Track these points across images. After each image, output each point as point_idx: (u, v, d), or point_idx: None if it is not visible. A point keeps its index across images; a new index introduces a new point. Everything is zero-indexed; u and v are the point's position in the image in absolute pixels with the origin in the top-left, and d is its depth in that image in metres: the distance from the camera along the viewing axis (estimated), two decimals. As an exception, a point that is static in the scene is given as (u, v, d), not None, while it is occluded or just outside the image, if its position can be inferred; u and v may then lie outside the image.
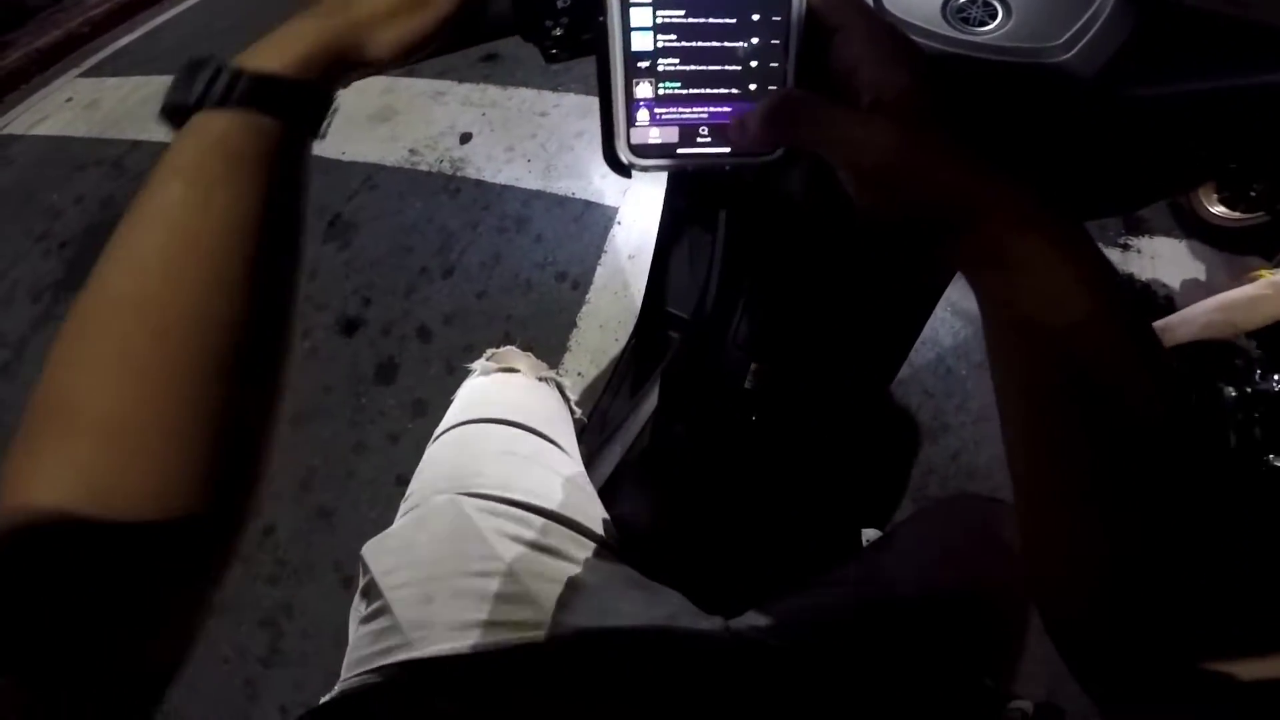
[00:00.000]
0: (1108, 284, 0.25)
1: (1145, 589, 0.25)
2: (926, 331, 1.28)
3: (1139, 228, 1.42)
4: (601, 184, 1.52)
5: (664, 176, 0.75)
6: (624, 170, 0.30)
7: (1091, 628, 0.26)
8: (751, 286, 0.72)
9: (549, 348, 1.33)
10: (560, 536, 0.54)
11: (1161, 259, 1.37)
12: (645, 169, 0.30)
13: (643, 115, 0.29)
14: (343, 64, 0.29)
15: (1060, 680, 0.29)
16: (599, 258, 1.42)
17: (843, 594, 0.54)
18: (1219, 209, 1.31)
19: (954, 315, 1.37)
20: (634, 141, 0.29)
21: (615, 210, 1.48)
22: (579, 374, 1.29)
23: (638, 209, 1.47)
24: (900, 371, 1.08)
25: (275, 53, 0.28)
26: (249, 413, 0.27)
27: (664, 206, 0.85)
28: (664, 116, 0.29)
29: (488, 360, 0.74)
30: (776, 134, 0.28)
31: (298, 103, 0.28)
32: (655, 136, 0.29)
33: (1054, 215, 0.26)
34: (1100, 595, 0.26)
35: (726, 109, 0.29)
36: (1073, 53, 0.35)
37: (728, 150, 0.30)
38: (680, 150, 0.30)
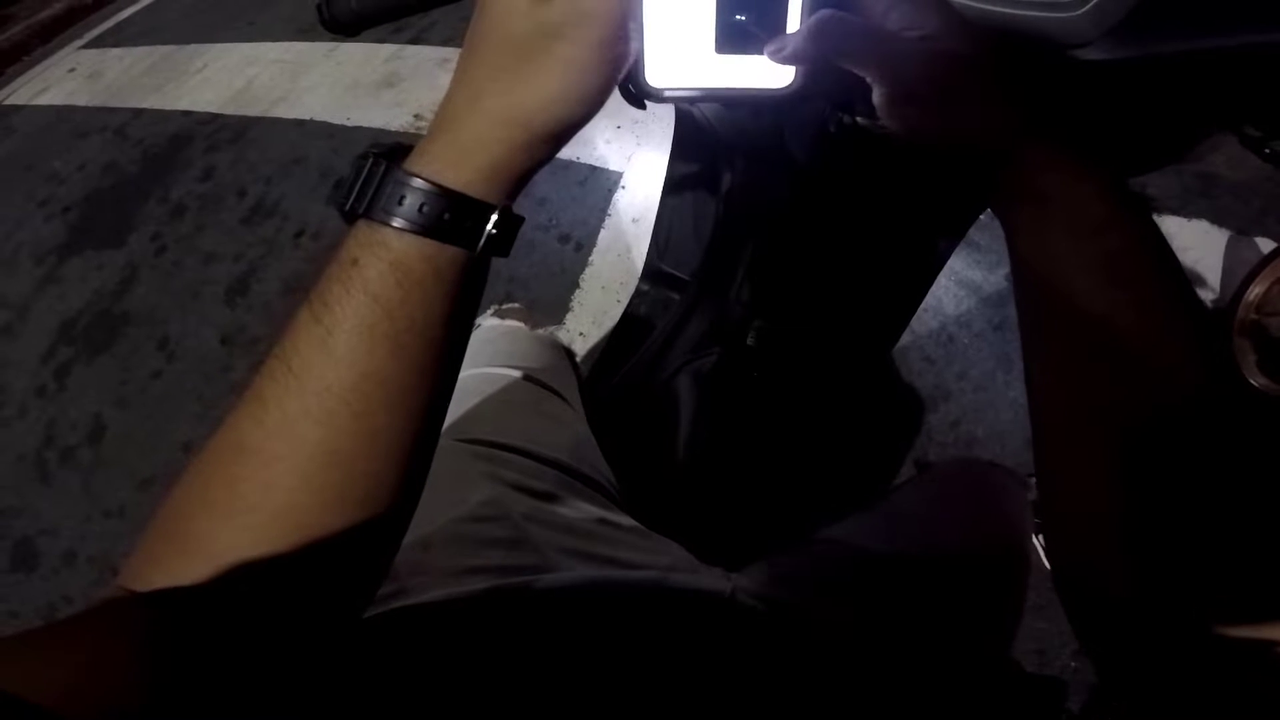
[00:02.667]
0: (1138, 221, 0.25)
1: (1161, 544, 0.23)
2: (929, 299, 1.27)
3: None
4: (606, 150, 1.51)
5: (669, 138, 0.75)
6: (638, 101, 0.30)
7: (1103, 583, 0.25)
8: (757, 244, 0.72)
9: (551, 308, 1.32)
10: (559, 483, 0.53)
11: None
12: (661, 100, 0.29)
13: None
14: (536, 157, 0.26)
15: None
16: (603, 221, 1.42)
17: (844, 553, 0.54)
18: (1261, 380, 1.22)
19: (957, 284, 1.37)
20: (650, 70, 0.29)
21: (619, 175, 1.47)
22: (580, 334, 1.29)
23: (642, 174, 1.47)
24: (902, 338, 1.08)
25: (451, 157, 0.25)
26: (417, 477, 0.29)
27: (668, 169, 0.85)
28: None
29: (492, 315, 0.74)
30: (819, 49, 0.27)
31: (489, 227, 0.26)
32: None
33: (1086, 153, 0.26)
34: (1114, 549, 0.24)
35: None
36: (1086, 8, 0.34)
37: (745, 84, 0.29)
38: (695, 80, 0.29)
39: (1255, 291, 1.00)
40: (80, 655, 0.21)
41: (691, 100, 0.39)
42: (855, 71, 0.27)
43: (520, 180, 0.27)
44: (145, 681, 0.21)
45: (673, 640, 0.36)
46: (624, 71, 0.26)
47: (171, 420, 1.41)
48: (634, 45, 0.26)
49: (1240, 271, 1.09)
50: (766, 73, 0.29)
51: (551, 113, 0.25)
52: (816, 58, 0.27)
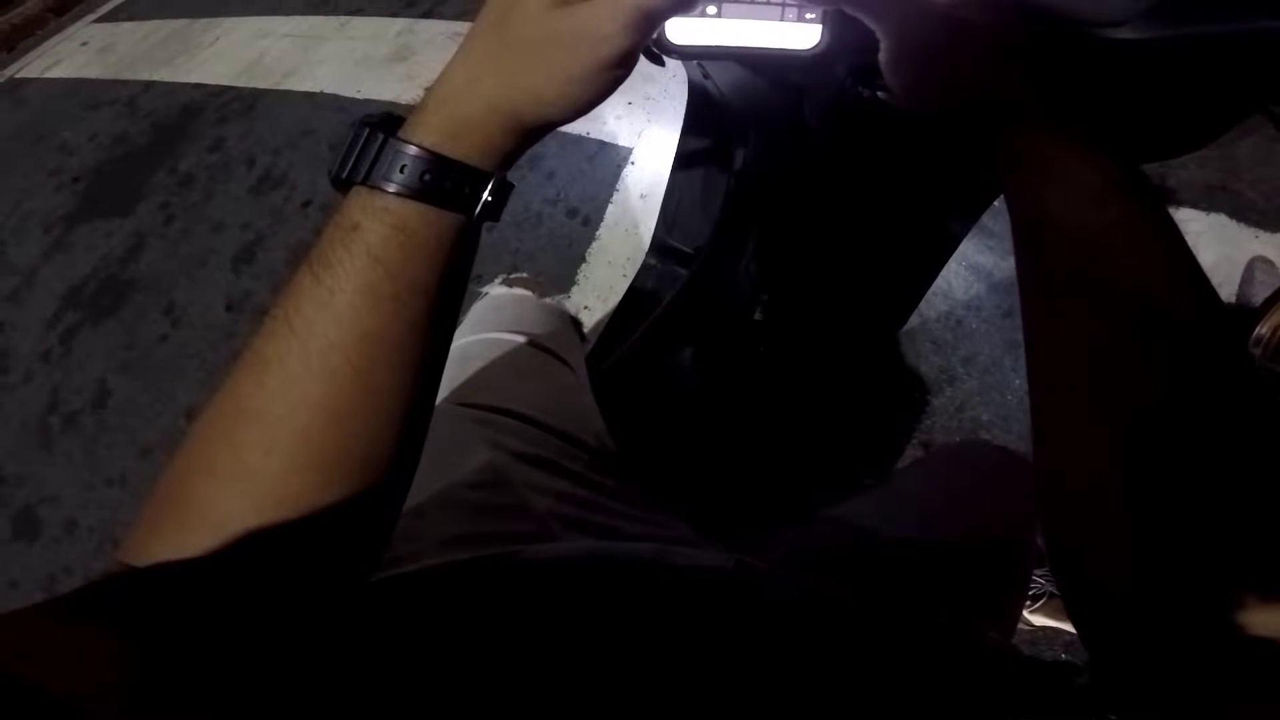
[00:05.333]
0: (1139, 192, 0.25)
1: (1169, 533, 0.22)
2: (939, 283, 1.26)
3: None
4: (616, 125, 1.51)
5: (680, 116, 0.74)
6: (657, 59, 0.30)
7: (1106, 573, 0.24)
8: (768, 219, 0.71)
9: (557, 282, 1.32)
10: (559, 451, 0.52)
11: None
12: (682, 55, 0.29)
13: None
14: (525, 143, 0.28)
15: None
16: (611, 196, 1.41)
17: (846, 532, 0.53)
18: None
19: (968, 270, 1.36)
20: (672, 26, 0.28)
21: (629, 151, 1.47)
22: (586, 308, 1.28)
23: (652, 151, 1.46)
24: (910, 321, 1.06)
25: (448, 130, 0.26)
26: (414, 440, 0.29)
27: (679, 144, 0.85)
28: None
29: (500, 283, 0.74)
30: None
31: (485, 194, 0.27)
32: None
33: (1088, 122, 0.26)
34: (1119, 537, 0.23)
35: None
36: None
37: (770, 44, 0.29)
38: (719, 38, 0.29)
39: (1263, 328, 0.85)
40: (75, 641, 0.21)
41: (713, 57, 0.38)
42: (867, 23, 0.28)
43: (511, 156, 0.28)
44: (142, 667, 0.21)
45: (673, 615, 0.35)
46: (619, 85, 0.27)
47: (176, 385, 1.42)
48: (631, 71, 0.27)
49: (1259, 291, 1.02)
50: (792, 32, 0.29)
51: (542, 111, 0.26)
52: (831, 2, 0.27)
